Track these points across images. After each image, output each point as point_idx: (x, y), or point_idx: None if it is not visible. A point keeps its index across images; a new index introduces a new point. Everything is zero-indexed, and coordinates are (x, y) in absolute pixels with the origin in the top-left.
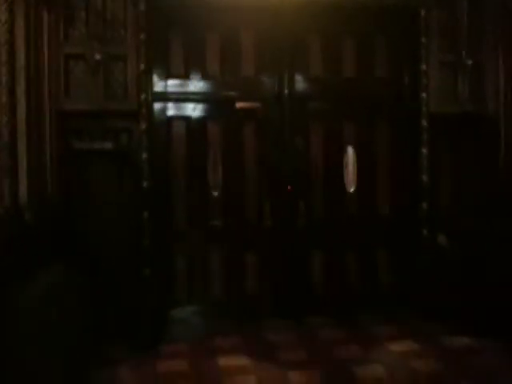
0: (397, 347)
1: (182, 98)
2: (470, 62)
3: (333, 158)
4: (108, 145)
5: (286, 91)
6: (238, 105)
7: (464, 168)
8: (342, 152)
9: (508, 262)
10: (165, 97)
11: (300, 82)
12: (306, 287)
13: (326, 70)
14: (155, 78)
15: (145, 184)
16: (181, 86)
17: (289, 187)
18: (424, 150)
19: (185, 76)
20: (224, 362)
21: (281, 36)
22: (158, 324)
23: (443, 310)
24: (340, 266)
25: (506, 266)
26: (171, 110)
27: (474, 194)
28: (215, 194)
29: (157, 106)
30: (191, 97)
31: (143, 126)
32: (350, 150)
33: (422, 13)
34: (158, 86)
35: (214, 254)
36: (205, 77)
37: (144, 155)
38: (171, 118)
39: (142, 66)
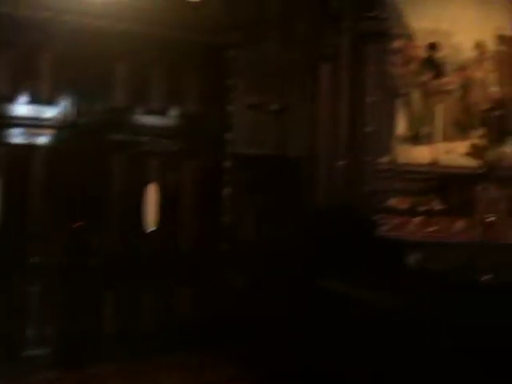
0: None
1: None
2: (276, 106)
3: (134, 193)
4: None
5: (84, 120)
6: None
7: (267, 208)
8: (144, 188)
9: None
10: None
11: (100, 112)
12: (95, 332)
13: (131, 100)
14: None
15: None
16: None
17: (77, 223)
18: (227, 190)
19: None
20: None
21: (85, 61)
22: None
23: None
24: (135, 306)
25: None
26: None
27: (276, 232)
28: None
29: None
30: None
31: None
32: (153, 187)
33: (231, 52)
34: None
35: None
36: None
37: None
38: None
39: None
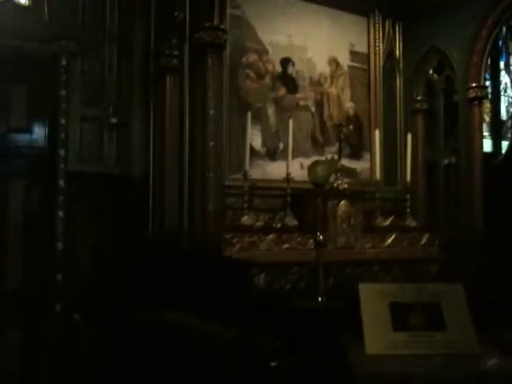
0: None
1: None
2: (115, 120)
3: None
4: None
5: None
6: None
7: (108, 232)
8: None
9: None
10: None
11: None
12: None
13: None
14: None
15: None
16: None
17: None
18: (60, 213)
19: None
20: None
21: None
22: None
23: None
24: None
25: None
26: None
27: (117, 260)
28: None
29: None
30: None
31: None
32: None
33: (63, 62)
34: None
35: None
36: None
37: None
38: None
39: None
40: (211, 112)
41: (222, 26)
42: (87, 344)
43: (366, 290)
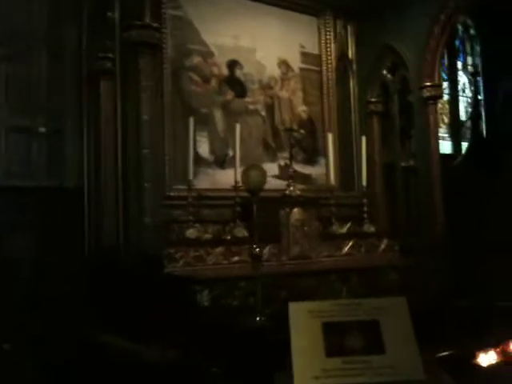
0: None
1: None
2: (45, 130)
3: None
4: None
5: None
6: None
7: (40, 250)
8: None
9: None
10: None
11: None
12: None
13: None
14: None
15: None
16: None
17: None
18: None
19: None
20: None
21: None
22: None
23: None
24: None
25: None
26: None
27: (52, 279)
28: None
29: None
30: None
31: None
32: None
33: None
34: None
35: None
36: None
37: None
38: None
39: None
40: (144, 117)
41: (154, 25)
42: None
43: (295, 310)
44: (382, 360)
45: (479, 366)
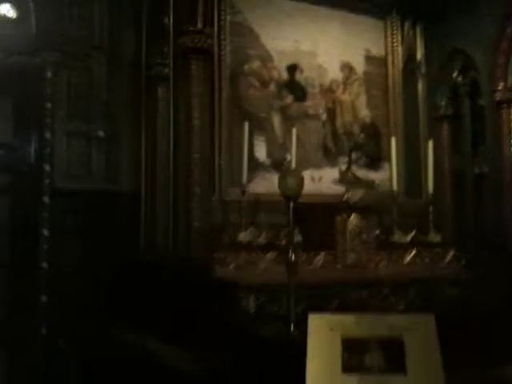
0: None
1: None
2: (102, 134)
3: None
4: None
5: None
6: None
7: (96, 251)
8: None
9: None
10: None
11: None
12: None
13: None
14: None
15: None
16: None
17: None
18: (45, 232)
19: None
20: None
21: None
22: None
23: None
24: None
25: None
26: None
27: (106, 280)
28: None
29: None
30: None
31: None
32: None
33: (49, 74)
34: None
35: None
36: None
37: None
38: None
39: None
40: (195, 122)
41: (206, 31)
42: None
43: (315, 322)
44: (402, 381)
45: None
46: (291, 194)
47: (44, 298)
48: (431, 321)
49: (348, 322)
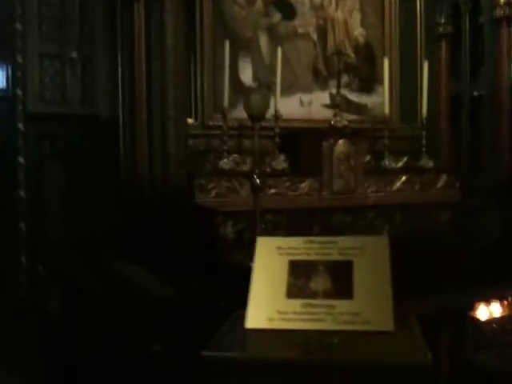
0: None
1: None
2: (76, 56)
3: None
4: None
5: None
6: None
7: (75, 179)
8: None
9: None
10: None
11: None
12: None
13: None
14: None
15: None
16: None
17: None
18: (21, 159)
19: None
20: None
21: None
22: None
23: None
24: None
25: None
26: None
27: (86, 209)
28: None
29: None
30: None
31: None
32: None
33: None
34: None
35: None
36: None
37: None
38: None
39: None
40: (169, 41)
41: None
42: (50, 297)
43: (263, 245)
44: (348, 306)
45: (476, 320)
46: (257, 114)
47: (23, 226)
48: (384, 244)
49: (297, 245)
